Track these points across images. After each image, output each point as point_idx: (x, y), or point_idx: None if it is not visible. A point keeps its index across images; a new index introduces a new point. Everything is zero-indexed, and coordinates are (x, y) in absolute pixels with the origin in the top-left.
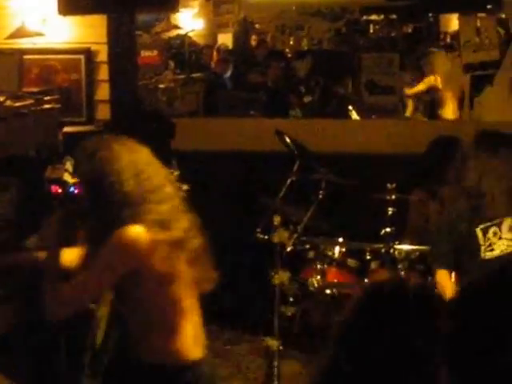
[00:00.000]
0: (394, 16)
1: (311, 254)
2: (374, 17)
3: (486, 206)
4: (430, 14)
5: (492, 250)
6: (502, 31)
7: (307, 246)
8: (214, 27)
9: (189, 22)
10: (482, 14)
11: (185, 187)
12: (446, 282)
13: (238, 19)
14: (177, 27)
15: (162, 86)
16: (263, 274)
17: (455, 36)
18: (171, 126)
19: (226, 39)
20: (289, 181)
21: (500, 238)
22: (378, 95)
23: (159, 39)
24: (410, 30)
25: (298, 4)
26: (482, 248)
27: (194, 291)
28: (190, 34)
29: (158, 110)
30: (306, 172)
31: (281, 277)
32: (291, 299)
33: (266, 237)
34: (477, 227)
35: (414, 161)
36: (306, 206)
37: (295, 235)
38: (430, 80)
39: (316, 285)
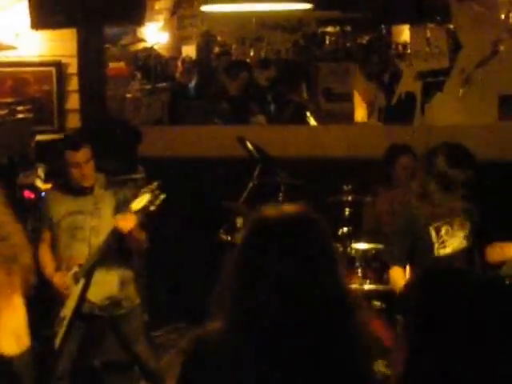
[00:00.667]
0: (349, 28)
1: None
2: (329, 29)
3: (439, 207)
4: (383, 26)
5: (445, 247)
6: (450, 41)
7: None
8: (179, 40)
9: (154, 35)
10: (432, 25)
11: (162, 196)
12: (399, 278)
13: (201, 32)
14: (143, 40)
15: (129, 95)
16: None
17: (406, 46)
18: (138, 134)
19: (189, 51)
20: (250, 184)
21: (452, 236)
22: (334, 102)
23: (126, 52)
24: (364, 41)
25: (257, 17)
26: (436, 246)
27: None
28: (156, 47)
29: (125, 118)
30: (267, 176)
31: None
32: None
33: (229, 237)
34: (430, 226)
35: (369, 164)
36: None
37: None
38: None
39: None
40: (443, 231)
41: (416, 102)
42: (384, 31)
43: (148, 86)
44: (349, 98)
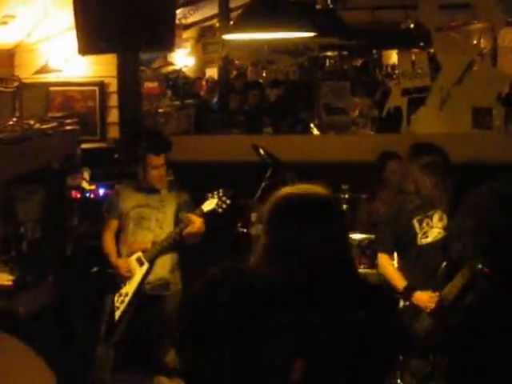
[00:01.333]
0: (346, 52)
1: None
2: (329, 53)
3: (421, 203)
4: (375, 51)
5: (426, 237)
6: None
7: None
8: (203, 63)
9: (183, 59)
10: (416, 50)
11: (228, 201)
12: (386, 264)
13: (221, 57)
14: (172, 64)
15: (161, 110)
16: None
17: (395, 67)
18: (169, 142)
19: (212, 73)
20: (263, 184)
21: (432, 227)
22: (333, 115)
23: (159, 73)
24: (358, 64)
25: (269, 43)
26: (419, 236)
27: None
28: (184, 69)
29: (158, 129)
30: (277, 177)
31: None
32: None
33: (245, 230)
34: (413, 219)
35: (363, 167)
36: None
37: None
38: None
39: None
40: (425, 223)
41: (403, 115)
42: (376, 55)
43: (177, 102)
44: (345, 112)
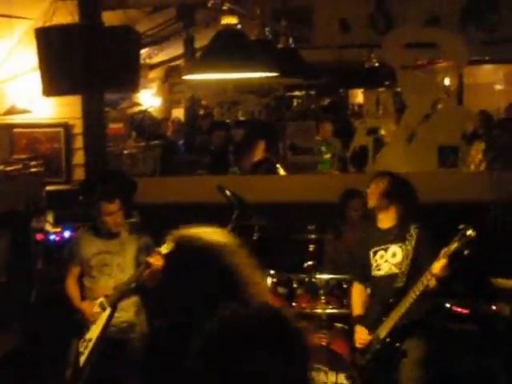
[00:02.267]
0: (313, 92)
1: None
2: (297, 92)
3: (381, 235)
4: (341, 90)
5: (379, 269)
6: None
7: None
8: (169, 104)
9: (149, 99)
10: (382, 89)
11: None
12: (354, 292)
13: (187, 97)
14: (138, 104)
15: (126, 151)
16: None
17: (361, 106)
18: (133, 184)
19: (178, 113)
20: (229, 226)
21: (386, 261)
22: (299, 155)
23: (124, 114)
24: (325, 103)
25: (233, 83)
26: (373, 267)
27: None
28: (150, 110)
29: (123, 171)
30: (243, 219)
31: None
32: None
33: None
34: (370, 250)
35: (328, 207)
36: (243, 246)
37: None
38: None
39: None
40: (378, 256)
41: (368, 154)
42: (343, 94)
43: (142, 143)
44: (311, 152)
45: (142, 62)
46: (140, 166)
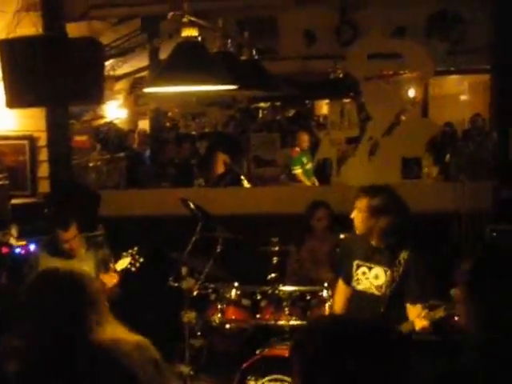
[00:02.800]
0: (278, 103)
1: (213, 297)
2: (262, 104)
3: (366, 252)
4: (308, 101)
5: (358, 283)
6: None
7: (209, 290)
8: (135, 115)
9: (115, 111)
10: (347, 100)
11: (141, 260)
12: (338, 290)
13: (151, 109)
14: (102, 117)
15: (91, 164)
16: (175, 314)
17: (326, 117)
18: (98, 197)
19: (145, 125)
20: (193, 239)
21: (367, 279)
22: (262, 167)
23: (89, 126)
24: (291, 114)
25: (197, 96)
26: (353, 279)
27: None
28: (116, 121)
29: (88, 184)
30: (207, 231)
31: (189, 316)
32: (198, 333)
33: (177, 284)
34: (355, 261)
35: (292, 218)
36: (207, 258)
37: (199, 282)
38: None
39: (217, 321)
40: (360, 271)
41: (332, 166)
42: (308, 105)
43: (107, 156)
44: (274, 164)
45: (106, 73)
46: (105, 179)
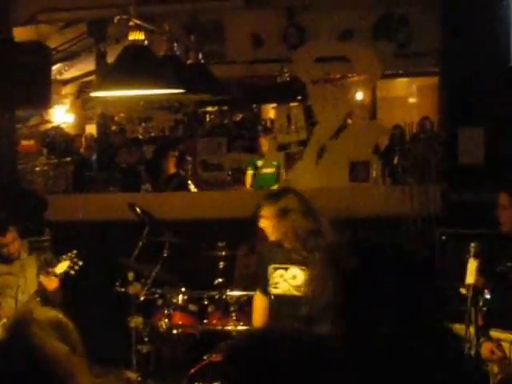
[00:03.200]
0: (226, 107)
1: (160, 302)
2: (209, 108)
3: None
4: (255, 105)
5: (276, 287)
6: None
7: (156, 295)
8: (83, 120)
9: (61, 115)
10: (294, 104)
11: (80, 263)
12: (255, 302)
13: (97, 113)
14: (50, 121)
15: (37, 169)
16: (122, 320)
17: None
18: (44, 201)
19: (92, 129)
20: (140, 243)
21: (285, 281)
22: (210, 172)
23: (36, 131)
24: (238, 119)
25: (144, 99)
26: (270, 284)
27: None
28: (63, 126)
29: (34, 188)
30: (154, 235)
31: (136, 321)
32: (146, 339)
33: (123, 289)
34: (270, 265)
35: (239, 223)
36: (154, 263)
37: (146, 287)
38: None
39: (165, 327)
40: (277, 273)
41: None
42: (256, 110)
43: (54, 160)
44: (221, 168)
45: (53, 77)
46: (52, 183)
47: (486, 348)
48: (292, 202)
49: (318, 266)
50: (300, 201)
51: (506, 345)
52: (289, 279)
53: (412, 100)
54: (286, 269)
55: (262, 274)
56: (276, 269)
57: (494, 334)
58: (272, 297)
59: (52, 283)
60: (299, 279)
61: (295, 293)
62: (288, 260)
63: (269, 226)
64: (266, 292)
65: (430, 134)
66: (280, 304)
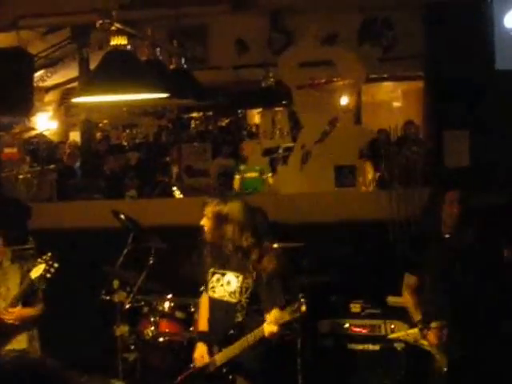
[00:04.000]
0: (211, 113)
1: (146, 309)
2: (194, 114)
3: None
4: (240, 110)
5: (214, 292)
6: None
7: (142, 303)
8: (66, 127)
9: (45, 123)
10: (278, 109)
11: (56, 265)
12: (203, 306)
13: (81, 120)
14: (33, 128)
15: (20, 176)
16: (107, 328)
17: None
18: (28, 209)
19: (75, 136)
20: (125, 251)
21: (221, 286)
22: (194, 177)
23: (19, 138)
24: (223, 124)
25: (127, 105)
26: (209, 287)
27: None
28: (46, 133)
29: (17, 196)
30: (139, 242)
31: (121, 329)
32: (132, 347)
33: (109, 297)
34: (210, 269)
35: None
36: (140, 270)
37: (131, 295)
38: None
39: (151, 334)
40: (215, 278)
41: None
42: (241, 115)
43: (38, 168)
44: (206, 174)
45: (35, 84)
46: (36, 191)
47: (431, 336)
48: (236, 212)
49: (255, 272)
50: (245, 214)
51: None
52: (225, 285)
53: (397, 104)
54: (223, 274)
55: (205, 276)
56: (214, 273)
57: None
58: (210, 300)
59: (10, 316)
60: (233, 286)
61: (230, 299)
62: (225, 265)
63: (207, 225)
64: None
65: (415, 138)
66: (215, 308)
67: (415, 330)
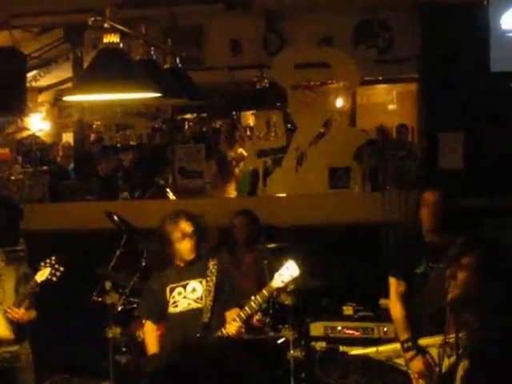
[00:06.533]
0: (205, 114)
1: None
2: (188, 115)
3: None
4: (235, 112)
5: (176, 306)
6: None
7: (134, 305)
8: (59, 127)
9: (38, 123)
10: (274, 110)
11: (62, 269)
12: (148, 333)
13: (74, 121)
14: (26, 129)
15: (12, 177)
16: (99, 330)
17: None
18: (19, 211)
19: (69, 137)
20: (118, 252)
21: (184, 297)
22: (188, 179)
23: (11, 139)
24: (218, 125)
25: (121, 106)
26: (169, 304)
27: None
28: (39, 134)
29: (9, 197)
30: (132, 244)
31: (113, 331)
32: (123, 349)
33: (100, 299)
34: (167, 286)
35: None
36: (132, 272)
37: (124, 297)
38: None
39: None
40: (175, 292)
41: (259, 177)
42: (235, 116)
43: (30, 169)
44: (200, 175)
45: (28, 84)
46: (28, 192)
47: (418, 362)
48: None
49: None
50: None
51: (433, 350)
52: (188, 294)
53: (392, 106)
54: (184, 286)
55: (159, 300)
56: (173, 289)
57: (423, 341)
58: (171, 316)
59: (14, 315)
60: (198, 291)
61: (196, 305)
62: (183, 276)
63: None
64: (161, 318)
65: (409, 140)
66: (181, 321)
67: (389, 347)
